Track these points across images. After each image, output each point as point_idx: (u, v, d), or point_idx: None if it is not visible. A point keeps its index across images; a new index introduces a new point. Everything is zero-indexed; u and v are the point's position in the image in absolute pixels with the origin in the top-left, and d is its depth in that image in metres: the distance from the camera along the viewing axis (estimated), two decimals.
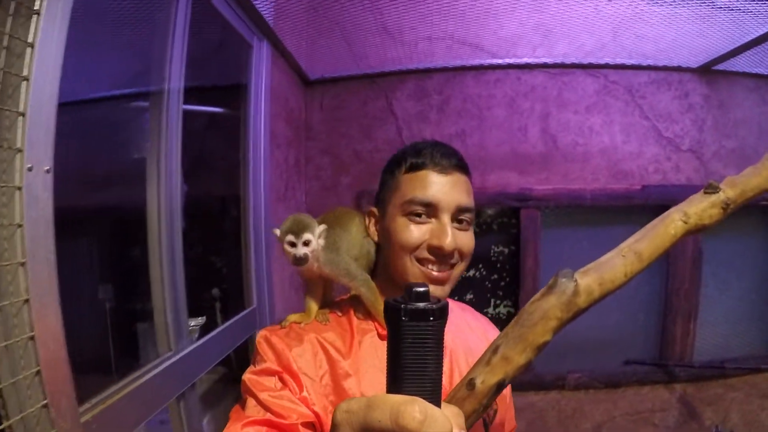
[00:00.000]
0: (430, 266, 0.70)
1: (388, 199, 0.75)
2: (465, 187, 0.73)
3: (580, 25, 1.69)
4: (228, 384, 1.60)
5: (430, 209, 0.70)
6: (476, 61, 1.91)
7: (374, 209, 0.79)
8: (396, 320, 0.28)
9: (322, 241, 0.70)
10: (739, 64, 2.08)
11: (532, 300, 0.47)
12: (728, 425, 2.13)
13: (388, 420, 0.25)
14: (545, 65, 1.96)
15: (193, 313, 1.24)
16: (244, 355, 1.47)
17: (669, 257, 2.01)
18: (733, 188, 0.56)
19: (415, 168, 0.72)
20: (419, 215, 0.70)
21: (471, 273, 2.01)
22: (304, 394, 0.63)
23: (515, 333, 0.46)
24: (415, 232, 0.70)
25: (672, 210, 0.54)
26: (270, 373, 0.65)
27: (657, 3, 1.58)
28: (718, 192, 0.55)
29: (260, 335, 0.70)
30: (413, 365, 0.28)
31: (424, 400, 0.26)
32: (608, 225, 2.03)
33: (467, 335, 0.83)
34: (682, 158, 2.08)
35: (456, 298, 1.03)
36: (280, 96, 1.65)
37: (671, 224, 0.53)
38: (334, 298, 0.82)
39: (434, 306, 0.28)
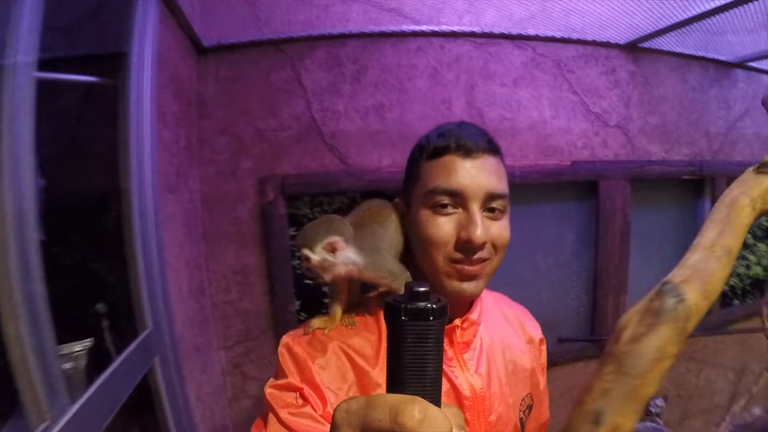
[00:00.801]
0: (461, 264, 0.64)
1: (412, 191, 0.68)
2: (495, 170, 0.65)
3: None
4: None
5: (456, 198, 0.63)
6: (396, 27, 1.69)
7: (399, 201, 0.73)
8: (396, 320, 0.27)
9: (340, 255, 0.64)
10: (662, 43, 2.08)
11: (633, 336, 0.35)
12: (660, 390, 2.15)
13: (387, 419, 0.25)
14: (472, 34, 1.78)
15: (77, 335, 1.06)
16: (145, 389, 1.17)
17: (599, 232, 1.94)
18: None
19: (437, 153, 0.65)
20: (444, 206, 0.63)
21: None
22: (328, 409, 0.59)
23: (622, 388, 0.34)
24: (442, 225, 0.63)
25: (735, 195, 0.49)
26: (291, 388, 0.61)
27: None
28: None
29: (282, 344, 0.66)
30: (413, 365, 0.27)
31: (423, 400, 0.25)
32: (536, 203, 1.92)
33: (504, 329, 0.77)
34: (609, 134, 2.00)
35: None
36: (168, 64, 1.34)
37: (743, 212, 0.48)
38: (358, 298, 0.75)
39: (434, 305, 0.27)
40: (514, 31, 1.83)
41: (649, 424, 1.93)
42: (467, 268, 0.63)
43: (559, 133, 1.90)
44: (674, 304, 0.35)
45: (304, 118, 1.60)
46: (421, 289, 0.27)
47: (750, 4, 1.61)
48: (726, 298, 2.36)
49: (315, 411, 0.58)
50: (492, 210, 0.65)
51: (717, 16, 1.72)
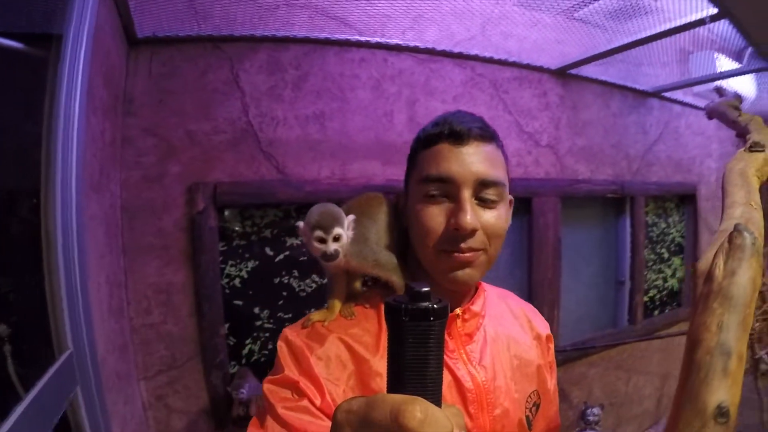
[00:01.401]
0: (451, 253, 0.62)
1: (409, 181, 0.68)
2: (488, 157, 0.63)
3: (450, 14, 1.61)
4: None
5: (447, 186, 0.61)
6: (340, 36, 1.64)
7: (401, 193, 0.72)
8: (396, 320, 0.27)
9: (350, 233, 0.64)
10: (589, 71, 2.25)
11: (730, 270, 0.38)
12: (592, 399, 2.23)
13: (388, 419, 0.24)
14: (416, 49, 1.79)
15: None
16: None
17: (533, 248, 1.98)
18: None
19: (431, 142, 0.64)
20: (436, 195, 0.62)
21: None
22: (327, 400, 0.57)
23: (735, 318, 0.36)
24: (433, 215, 0.62)
25: (741, 167, 0.57)
26: (288, 382, 0.59)
27: (523, 5, 1.61)
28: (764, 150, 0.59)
29: (282, 337, 0.64)
30: (414, 365, 0.27)
31: (424, 400, 0.25)
32: None
33: (510, 323, 0.75)
34: (541, 153, 2.08)
35: None
36: (101, 48, 1.18)
37: (753, 178, 0.56)
38: (359, 289, 0.73)
39: (435, 306, 0.27)
40: (456, 50, 1.86)
41: None
42: (457, 255, 0.61)
43: None
44: (752, 239, 0.39)
45: (240, 123, 1.49)
46: (422, 289, 0.27)
47: (664, 40, 1.77)
48: (646, 309, 2.51)
49: (312, 403, 0.57)
50: (485, 199, 0.62)
51: (636, 49, 1.89)
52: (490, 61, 1.97)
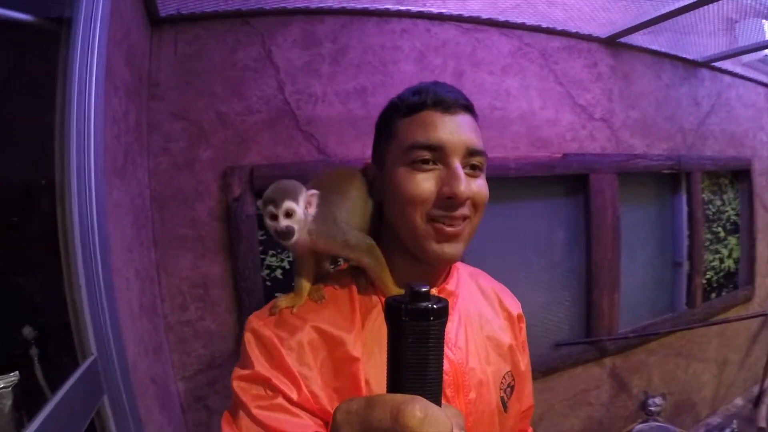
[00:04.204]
0: (441, 222, 0.56)
1: (386, 151, 0.60)
2: (473, 127, 0.58)
3: None
4: None
5: (437, 154, 0.56)
6: (379, 5, 1.39)
7: (369, 165, 0.64)
8: (396, 320, 0.26)
9: (312, 210, 0.56)
10: (637, 39, 1.94)
11: None
12: (652, 388, 1.96)
13: (388, 419, 0.23)
14: (459, 18, 1.52)
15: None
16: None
17: (591, 228, 1.70)
18: None
19: (414, 110, 0.57)
20: (426, 162, 0.56)
21: None
22: (304, 393, 0.52)
23: None
24: (422, 182, 0.55)
25: None
26: (260, 378, 0.52)
27: None
28: None
29: (248, 328, 0.56)
30: (414, 364, 0.26)
31: (424, 399, 0.24)
32: (526, 199, 1.66)
33: (481, 303, 0.69)
34: (595, 127, 1.78)
35: None
36: (119, 24, 0.98)
37: None
38: (329, 270, 0.66)
39: (435, 306, 0.26)
40: (501, 18, 1.59)
41: (654, 424, 1.69)
42: (447, 228, 0.56)
43: (548, 125, 1.66)
44: None
45: (276, 101, 1.26)
46: (422, 289, 0.26)
47: (709, 7, 1.55)
48: (704, 292, 2.19)
49: (288, 399, 0.51)
50: (473, 167, 0.58)
51: (683, 18, 1.65)
52: (537, 29, 1.68)
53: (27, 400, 0.79)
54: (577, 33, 1.78)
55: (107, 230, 0.84)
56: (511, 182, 1.55)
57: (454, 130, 0.55)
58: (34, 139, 0.93)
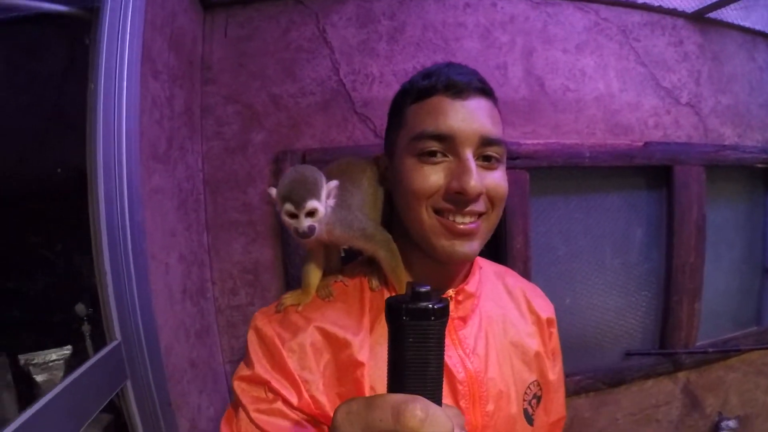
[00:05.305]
0: (451, 217, 0.50)
1: (395, 139, 0.55)
2: (489, 113, 0.51)
3: None
4: None
5: (446, 144, 0.50)
6: None
7: (381, 155, 0.59)
8: (397, 319, 0.25)
9: (332, 201, 0.50)
10: (728, 14, 1.64)
11: None
12: (728, 408, 1.72)
13: (389, 419, 0.23)
14: None
15: (56, 341, 0.84)
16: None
17: (674, 226, 1.48)
18: None
19: (423, 95, 0.52)
20: (433, 153, 0.50)
21: None
22: (305, 398, 0.49)
23: None
24: (429, 174, 0.50)
25: None
26: (260, 381, 0.50)
27: None
28: None
29: (252, 326, 0.53)
30: (414, 364, 0.25)
31: (425, 399, 0.23)
32: (602, 191, 1.45)
33: (506, 306, 0.62)
34: (681, 112, 1.54)
35: None
36: (160, 10, 0.94)
37: None
38: (338, 264, 0.60)
39: (436, 305, 0.25)
40: None
41: None
42: (459, 226, 0.49)
43: (628, 110, 1.45)
44: None
45: (330, 83, 1.17)
46: (423, 289, 0.25)
47: None
48: None
49: (288, 404, 0.48)
50: (488, 158, 0.51)
51: None
52: (616, 3, 1.46)
53: None
54: (660, 7, 1.54)
55: (142, 215, 0.79)
56: (585, 172, 1.37)
57: (466, 117, 0.50)
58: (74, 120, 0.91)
